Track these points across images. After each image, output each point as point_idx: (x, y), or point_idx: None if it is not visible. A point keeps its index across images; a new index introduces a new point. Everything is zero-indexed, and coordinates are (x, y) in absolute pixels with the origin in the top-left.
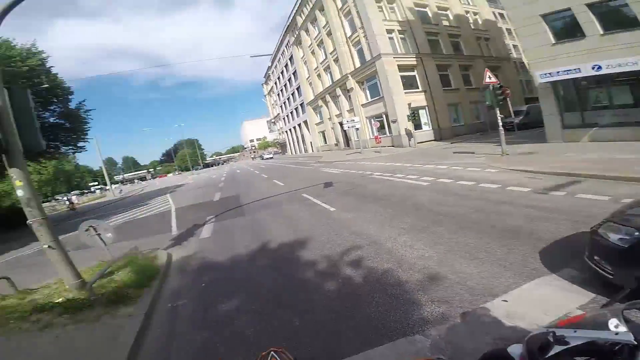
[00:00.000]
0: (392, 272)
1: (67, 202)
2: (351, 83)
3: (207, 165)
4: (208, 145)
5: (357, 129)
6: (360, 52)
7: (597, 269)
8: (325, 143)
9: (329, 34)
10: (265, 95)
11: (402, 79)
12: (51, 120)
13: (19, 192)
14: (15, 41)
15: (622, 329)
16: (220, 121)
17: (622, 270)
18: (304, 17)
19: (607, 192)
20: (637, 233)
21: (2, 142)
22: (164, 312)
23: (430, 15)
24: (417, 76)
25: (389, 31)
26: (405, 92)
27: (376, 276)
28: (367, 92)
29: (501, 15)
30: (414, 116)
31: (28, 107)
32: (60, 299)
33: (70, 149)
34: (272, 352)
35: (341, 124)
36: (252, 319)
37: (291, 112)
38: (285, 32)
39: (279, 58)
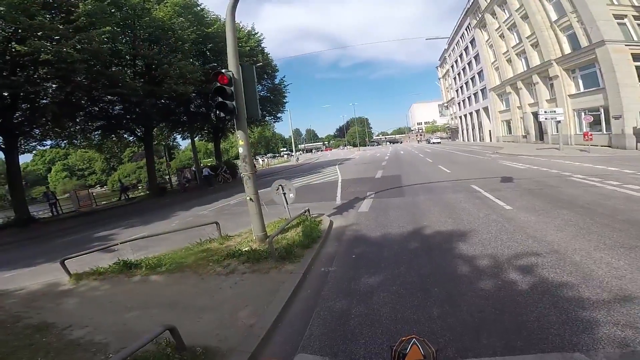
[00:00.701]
0: (571, 286)
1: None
2: (556, 70)
3: (372, 143)
4: (375, 124)
5: (559, 121)
6: (573, 38)
7: None
8: (510, 133)
9: (525, 17)
10: (439, 79)
11: (639, 70)
12: (261, 94)
13: (240, 150)
14: (242, 24)
15: None
16: (389, 102)
17: None
18: (488, 0)
19: None
20: None
21: (235, 109)
22: (318, 274)
23: None
24: None
25: (619, 16)
26: None
27: (548, 287)
28: (580, 81)
29: None
30: None
31: (253, 81)
32: (247, 248)
33: (271, 118)
34: (414, 339)
35: (535, 114)
36: (390, 299)
37: (468, 97)
38: (464, 14)
39: (457, 41)
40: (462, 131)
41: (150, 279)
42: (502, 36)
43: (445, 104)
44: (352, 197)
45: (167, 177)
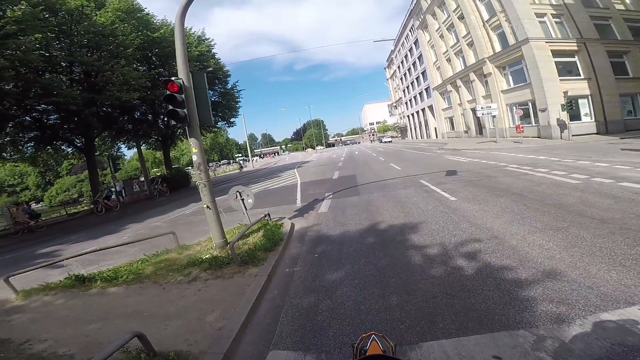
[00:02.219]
0: (510, 268)
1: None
2: (489, 68)
3: (329, 145)
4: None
5: (494, 116)
6: (502, 36)
7: None
8: (453, 130)
9: (461, 17)
10: (387, 79)
11: (558, 65)
12: (213, 99)
13: (194, 157)
14: (192, 29)
15: None
16: (343, 103)
17: None
18: (429, 1)
19: None
20: None
21: (187, 116)
22: (283, 275)
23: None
24: (578, 62)
25: (540, 15)
26: (561, 79)
27: (490, 270)
28: (510, 77)
29: None
30: (571, 106)
31: (204, 88)
32: (207, 256)
33: (225, 123)
34: (373, 335)
35: (474, 110)
36: (353, 293)
37: (414, 97)
38: (408, 16)
39: (402, 42)
40: (411, 129)
41: (108, 291)
42: (442, 36)
43: (394, 104)
44: (311, 199)
45: (113, 189)
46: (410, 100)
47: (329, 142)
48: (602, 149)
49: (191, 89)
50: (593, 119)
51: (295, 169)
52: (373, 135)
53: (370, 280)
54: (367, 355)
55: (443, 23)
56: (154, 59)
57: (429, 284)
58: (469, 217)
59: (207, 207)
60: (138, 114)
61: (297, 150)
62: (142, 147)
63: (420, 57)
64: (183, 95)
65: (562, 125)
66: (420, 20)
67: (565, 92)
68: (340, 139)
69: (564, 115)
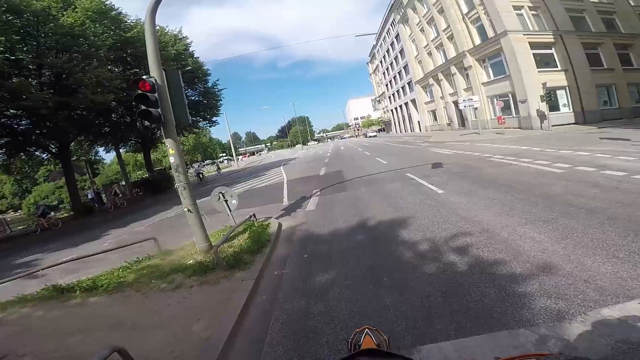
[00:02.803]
0: (504, 263)
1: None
2: (469, 61)
3: (315, 141)
4: (316, 122)
5: (476, 108)
6: (481, 29)
7: None
8: (436, 122)
9: (441, 11)
10: (370, 74)
11: (536, 57)
12: (193, 98)
13: (171, 159)
14: (168, 28)
15: None
16: (327, 99)
17: None
18: None
19: None
20: None
21: (161, 116)
22: (271, 279)
23: None
24: (555, 54)
25: (517, 7)
26: (539, 71)
27: (484, 266)
28: (490, 70)
29: None
30: (550, 97)
31: (180, 86)
32: (191, 261)
33: (206, 123)
34: (367, 330)
35: (456, 102)
36: (345, 294)
37: (397, 91)
38: (389, 10)
39: (384, 36)
40: (395, 123)
41: (89, 301)
42: (422, 30)
43: (377, 99)
44: (299, 197)
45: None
46: (393, 94)
47: (314, 138)
48: (582, 139)
49: (165, 87)
50: (571, 110)
51: (282, 167)
52: (358, 130)
53: (362, 281)
54: (361, 350)
55: (423, 17)
56: (129, 59)
57: (423, 282)
58: (458, 210)
59: (189, 210)
60: (115, 117)
61: (283, 148)
62: (121, 150)
63: (401, 51)
64: (156, 94)
65: (542, 116)
66: (401, 14)
67: (544, 84)
68: (326, 135)
69: (544, 106)
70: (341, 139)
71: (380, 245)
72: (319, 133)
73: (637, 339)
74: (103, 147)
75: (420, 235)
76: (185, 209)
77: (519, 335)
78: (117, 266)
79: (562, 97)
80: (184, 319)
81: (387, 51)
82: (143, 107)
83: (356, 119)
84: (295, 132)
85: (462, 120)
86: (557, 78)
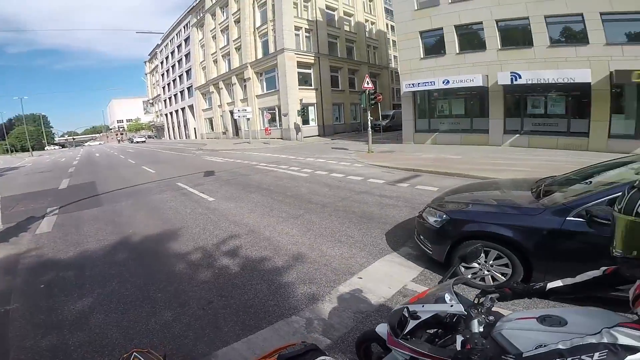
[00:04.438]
0: (269, 259)
1: None
2: (249, 73)
3: (59, 146)
4: (62, 123)
5: (248, 119)
6: (265, 44)
7: (422, 246)
8: (212, 130)
9: (237, 21)
10: (146, 74)
11: (299, 75)
12: None
13: None
14: None
15: (455, 302)
16: (83, 97)
17: (436, 246)
18: (214, 0)
19: (436, 184)
20: (445, 216)
21: None
22: None
23: (336, 18)
24: (312, 74)
25: (297, 28)
26: (300, 88)
27: (253, 264)
28: (264, 83)
29: (392, 27)
30: (304, 112)
31: None
32: None
33: None
34: (134, 353)
35: (232, 112)
36: (114, 318)
37: (175, 95)
38: (188, 11)
39: (173, 37)
40: (169, 129)
41: None
42: (214, 37)
43: (151, 101)
44: (23, 218)
45: None
46: (170, 97)
47: (55, 142)
48: (322, 148)
49: None
50: (316, 124)
51: None
52: (122, 134)
53: (133, 301)
54: None
55: (220, 24)
56: None
57: (201, 289)
58: (228, 215)
59: None
60: None
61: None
62: None
63: (188, 55)
64: None
65: (297, 128)
66: (198, 18)
67: (301, 100)
68: (74, 139)
69: (299, 120)
70: (97, 145)
71: (150, 261)
72: (62, 136)
73: (365, 308)
74: None
75: (193, 245)
76: None
77: (292, 322)
78: None
79: (312, 112)
80: None
81: (172, 52)
82: None
83: (121, 121)
84: (22, 132)
85: (237, 130)
86: (310, 95)
